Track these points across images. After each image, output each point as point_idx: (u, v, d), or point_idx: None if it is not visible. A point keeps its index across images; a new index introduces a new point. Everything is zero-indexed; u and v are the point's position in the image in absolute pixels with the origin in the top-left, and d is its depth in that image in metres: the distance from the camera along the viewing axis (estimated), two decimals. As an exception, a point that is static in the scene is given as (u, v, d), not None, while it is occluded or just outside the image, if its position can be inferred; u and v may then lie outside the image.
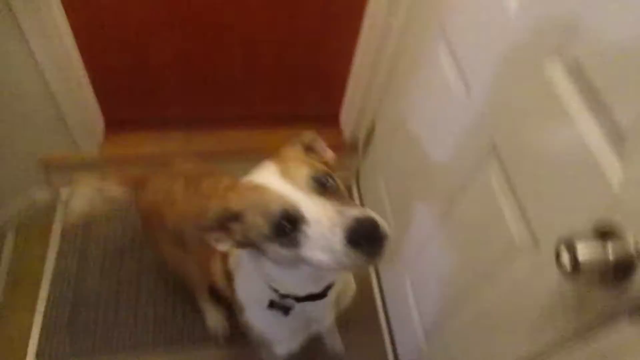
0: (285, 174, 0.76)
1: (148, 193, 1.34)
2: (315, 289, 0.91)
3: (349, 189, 2.14)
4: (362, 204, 2.06)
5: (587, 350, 0.70)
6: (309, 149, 0.89)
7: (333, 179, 0.78)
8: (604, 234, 0.64)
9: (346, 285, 1.10)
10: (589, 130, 0.69)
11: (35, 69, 1.44)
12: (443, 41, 1.19)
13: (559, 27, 0.75)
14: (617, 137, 0.64)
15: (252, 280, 0.96)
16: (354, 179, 2.15)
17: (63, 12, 1.41)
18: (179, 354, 1.62)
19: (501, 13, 0.92)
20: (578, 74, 0.72)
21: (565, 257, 0.60)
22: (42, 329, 1.61)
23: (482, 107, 1.01)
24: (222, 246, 0.83)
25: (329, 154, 0.91)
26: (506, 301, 0.96)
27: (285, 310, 0.96)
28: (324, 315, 1.09)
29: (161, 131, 1.93)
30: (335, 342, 1.64)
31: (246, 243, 0.81)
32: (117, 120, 1.88)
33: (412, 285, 1.49)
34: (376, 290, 1.85)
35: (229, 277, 1.05)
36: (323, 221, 0.69)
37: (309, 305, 0.94)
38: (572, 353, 0.74)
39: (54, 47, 1.42)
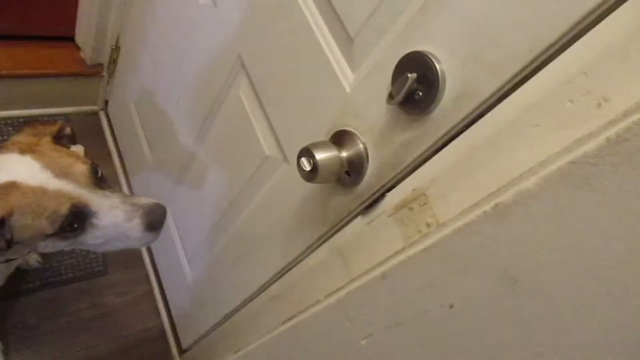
0: (58, 171, 0.76)
1: None
2: None
3: (97, 120, 1.89)
4: (113, 135, 1.84)
5: (327, 249, 0.75)
6: (58, 138, 0.88)
7: (98, 168, 0.83)
8: (340, 138, 0.66)
9: None
10: (323, 35, 0.69)
11: None
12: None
13: None
14: (347, 39, 0.66)
15: None
16: (102, 108, 1.89)
17: None
18: None
19: None
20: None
21: (305, 160, 0.61)
22: None
23: (229, 17, 0.94)
24: None
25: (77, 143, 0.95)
26: (262, 217, 0.97)
27: None
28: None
29: None
30: (29, 257, 1.51)
31: (12, 244, 0.77)
32: None
33: (174, 215, 1.42)
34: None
35: None
36: (117, 213, 0.78)
37: None
38: (317, 255, 0.79)
39: None
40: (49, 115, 1.79)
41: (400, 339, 0.50)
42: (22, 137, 0.83)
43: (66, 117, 1.82)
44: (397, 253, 0.52)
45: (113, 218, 0.78)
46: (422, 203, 0.56)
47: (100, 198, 0.78)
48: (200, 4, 1.03)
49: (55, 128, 0.87)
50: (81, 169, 0.79)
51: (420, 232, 0.55)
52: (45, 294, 1.49)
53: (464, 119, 0.52)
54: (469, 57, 0.49)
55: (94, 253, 1.59)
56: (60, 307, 1.50)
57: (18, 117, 1.73)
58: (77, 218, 0.77)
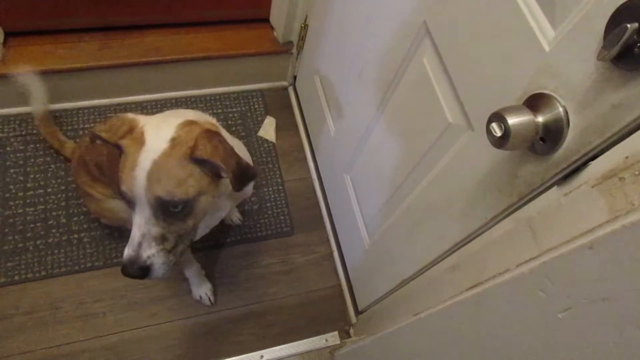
0: (155, 168, 0.81)
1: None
2: None
3: (287, 94, 2.06)
4: (299, 107, 2.00)
5: (513, 220, 0.71)
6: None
7: (188, 205, 0.86)
8: (535, 102, 0.62)
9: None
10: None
11: None
12: None
13: None
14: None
15: None
16: (291, 83, 2.06)
17: None
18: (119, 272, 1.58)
19: None
20: None
21: (495, 125, 0.58)
22: (-33, 261, 1.51)
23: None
24: None
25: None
26: (441, 187, 0.96)
27: None
28: (225, 206, 1.20)
29: (72, 40, 1.73)
30: (233, 215, 1.72)
31: None
32: (19, 29, 1.67)
33: (353, 183, 1.49)
34: (319, 192, 1.86)
35: None
36: (133, 236, 0.86)
37: None
38: (502, 227, 0.75)
39: None
40: (247, 92, 2.02)
41: (606, 315, 0.45)
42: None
43: (261, 92, 2.03)
44: (604, 224, 0.46)
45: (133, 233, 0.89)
46: (636, 172, 0.49)
47: (141, 217, 0.86)
48: (385, -26, 1.04)
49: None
50: (159, 187, 0.84)
51: (633, 205, 0.48)
52: (244, 247, 1.72)
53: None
54: None
55: (284, 214, 1.78)
56: (255, 260, 1.71)
57: (223, 94, 1.99)
58: (126, 200, 0.88)
